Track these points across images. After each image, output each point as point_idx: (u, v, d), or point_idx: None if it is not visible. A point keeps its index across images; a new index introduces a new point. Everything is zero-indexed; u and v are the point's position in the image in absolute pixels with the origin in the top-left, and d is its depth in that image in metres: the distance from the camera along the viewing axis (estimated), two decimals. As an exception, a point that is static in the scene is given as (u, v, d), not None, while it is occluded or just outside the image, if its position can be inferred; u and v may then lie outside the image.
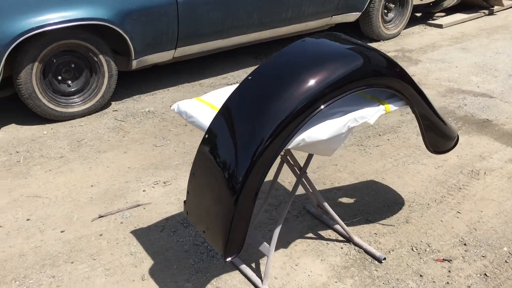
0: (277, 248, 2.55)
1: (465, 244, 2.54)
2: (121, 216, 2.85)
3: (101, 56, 4.03)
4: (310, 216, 2.79)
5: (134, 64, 4.24)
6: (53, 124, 4.00)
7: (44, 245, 2.61)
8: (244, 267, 2.41)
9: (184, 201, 2.16)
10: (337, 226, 2.67)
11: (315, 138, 1.90)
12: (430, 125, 2.33)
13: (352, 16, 5.61)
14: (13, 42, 3.54)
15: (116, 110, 4.26)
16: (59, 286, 2.34)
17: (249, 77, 2.02)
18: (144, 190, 3.09)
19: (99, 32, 3.99)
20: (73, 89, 4.05)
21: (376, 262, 2.44)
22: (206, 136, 1.98)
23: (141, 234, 2.68)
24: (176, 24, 4.24)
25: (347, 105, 2.07)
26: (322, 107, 1.87)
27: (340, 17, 5.51)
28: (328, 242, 2.59)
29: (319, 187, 3.05)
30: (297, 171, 2.39)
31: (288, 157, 2.41)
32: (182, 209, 2.89)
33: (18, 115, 4.12)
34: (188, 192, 2.09)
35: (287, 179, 3.15)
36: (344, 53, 2.04)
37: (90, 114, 4.15)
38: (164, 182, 3.17)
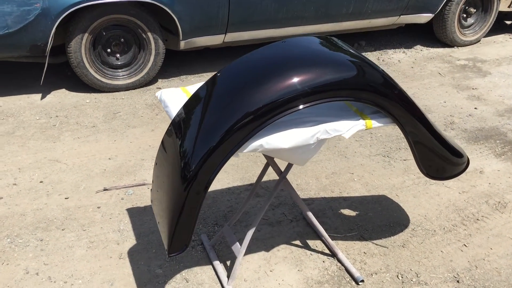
0: (258, 250, 2.50)
1: (458, 281, 2.33)
2: (124, 192, 2.93)
3: (149, 34, 4.13)
4: (304, 223, 2.70)
5: (182, 44, 4.30)
6: (97, 94, 4.18)
7: (45, 209, 2.76)
8: (217, 263, 2.39)
9: (151, 189, 2.18)
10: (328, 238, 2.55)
11: (275, 145, 1.82)
12: (425, 149, 2.14)
13: (423, 18, 5.27)
14: (64, 12, 3.73)
15: (159, 88, 4.37)
16: (43, 250, 2.46)
17: (218, 74, 1.98)
18: (155, 170, 3.14)
19: (150, 10, 4.08)
20: (120, 63, 4.20)
21: (354, 282, 2.32)
22: (170, 127, 1.97)
23: (135, 213, 2.75)
24: (227, 9, 4.23)
25: (323, 115, 1.96)
26: (286, 112, 1.78)
27: (409, 17, 5.20)
28: (312, 253, 2.49)
29: (326, 194, 2.94)
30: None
31: (270, 160, 2.33)
32: (182, 195, 2.91)
33: (69, 82, 4.35)
34: (152, 181, 2.10)
35: (296, 180, 3.07)
36: (314, 58, 1.92)
37: (134, 89, 4.29)
38: (177, 165, 3.20)
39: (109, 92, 4.22)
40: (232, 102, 1.83)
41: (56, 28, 3.80)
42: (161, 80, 4.52)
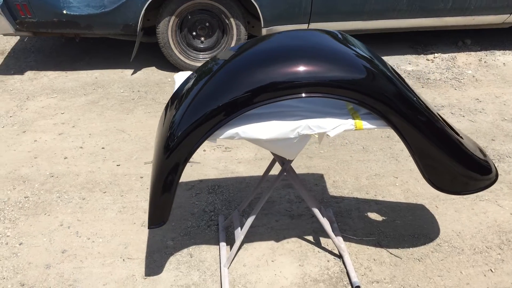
0: (268, 239, 2.53)
1: (464, 307, 2.14)
2: (169, 166, 3.13)
3: (232, 19, 4.27)
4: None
5: (264, 32, 4.38)
6: (180, 73, 4.45)
7: (97, 172, 3.07)
8: (223, 245, 2.47)
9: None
10: (339, 238, 2.49)
11: (252, 135, 1.83)
12: (429, 159, 1.98)
13: (541, 17, 4.69)
14: (153, -5, 4.03)
15: (238, 72, 4.50)
16: (81, 207, 2.76)
17: (223, 52, 2.04)
18: (204, 150, 3.30)
19: (235, -4, 4.22)
20: (204, 46, 4.42)
21: (350, 287, 2.25)
22: (168, 102, 2.08)
23: (170, 187, 2.92)
24: (310, -1, 4.21)
25: (313, 110, 1.91)
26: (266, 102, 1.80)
27: (523, 16, 4.67)
28: (321, 251, 2.46)
29: (359, 195, 2.85)
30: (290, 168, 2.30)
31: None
32: (221, 175, 3.03)
33: (159, 61, 4.68)
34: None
35: (334, 177, 3.01)
36: (305, 51, 1.87)
37: (214, 71, 4.48)
38: (226, 148, 3.33)
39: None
40: (222, 83, 1.88)
41: (150, 11, 4.12)
42: (243, 65, 4.65)
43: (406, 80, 4.19)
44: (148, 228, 2.05)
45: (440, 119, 2.02)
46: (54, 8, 4.07)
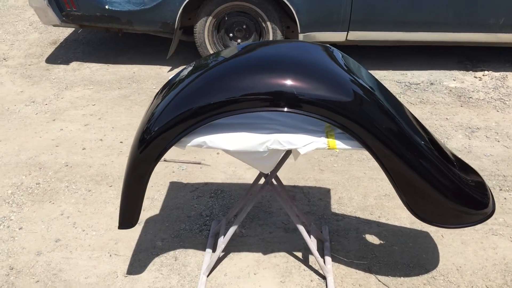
0: (256, 251, 2.48)
1: None
2: (179, 166, 3.15)
3: (268, 23, 4.23)
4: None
5: (301, 37, 4.31)
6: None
7: (109, 165, 3.14)
8: (208, 251, 2.45)
9: None
10: (327, 258, 2.40)
11: (219, 146, 1.80)
12: (409, 187, 1.85)
13: None
14: (190, -5, 4.08)
15: (272, 77, 4.45)
16: (84, 199, 2.84)
17: (219, 51, 2.02)
18: (218, 153, 3.30)
19: (272, 0, 4.17)
20: (240, 48, 4.41)
21: (326, 311, 2.16)
22: (158, 92, 2.08)
23: (174, 187, 2.95)
24: (349, 5, 4.08)
25: (287, 125, 1.85)
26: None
27: None
28: (307, 269, 2.37)
29: (363, 214, 2.72)
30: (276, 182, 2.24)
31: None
32: (227, 180, 3.01)
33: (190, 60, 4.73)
34: None
35: (341, 193, 2.90)
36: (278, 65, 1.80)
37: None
38: (239, 153, 3.30)
39: (226, 74, 4.47)
40: (197, 87, 1.86)
41: (190, 10, 4.18)
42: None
43: (444, 97, 3.97)
44: (118, 228, 2.07)
45: (430, 145, 1.88)
46: (97, 3, 4.22)
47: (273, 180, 2.20)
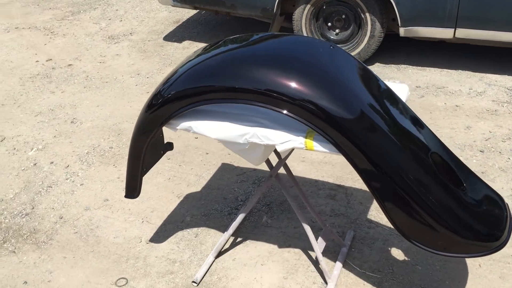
0: (274, 243, 2.49)
1: None
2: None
3: (367, 14, 4.06)
4: (343, 238, 2.47)
5: (402, 31, 4.05)
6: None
7: (176, 139, 3.34)
8: (226, 234, 2.51)
9: None
10: (338, 264, 2.31)
11: (202, 132, 1.85)
12: (390, 197, 1.68)
13: None
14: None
15: (368, 71, 4.27)
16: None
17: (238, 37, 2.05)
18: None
19: (374, -9, 3.99)
20: (337, 38, 4.30)
21: (314, 316, 2.10)
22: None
23: (225, 168, 3.05)
24: (456, 0, 3.72)
25: (270, 119, 1.81)
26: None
27: None
28: (314, 270, 2.32)
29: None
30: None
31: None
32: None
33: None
34: None
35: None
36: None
37: (343, 66, 4.34)
38: (300, 144, 3.28)
39: (320, 63, 4.41)
40: (196, 69, 1.91)
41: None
42: (378, 64, 4.39)
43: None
44: (125, 197, 2.24)
45: (429, 160, 1.70)
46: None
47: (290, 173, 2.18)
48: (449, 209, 1.69)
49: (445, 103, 3.71)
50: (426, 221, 1.69)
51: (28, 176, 3.04)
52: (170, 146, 2.42)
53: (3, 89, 4.13)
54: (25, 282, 2.30)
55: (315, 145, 1.72)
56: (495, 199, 1.84)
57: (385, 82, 2.15)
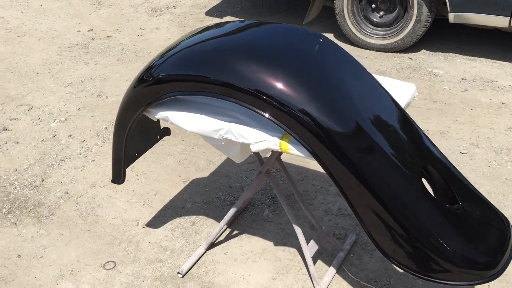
0: (270, 240, 2.38)
1: None
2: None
3: (414, -3, 3.75)
4: (344, 241, 2.31)
5: (451, 17, 3.72)
6: (349, 46, 4.19)
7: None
8: (221, 225, 2.41)
9: None
10: (331, 270, 2.16)
11: (178, 123, 1.75)
12: (376, 218, 1.51)
13: None
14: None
15: (410, 58, 3.98)
16: (155, 147, 3.03)
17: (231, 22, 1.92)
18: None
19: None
20: (381, 21, 4.02)
21: (295, 324, 1.98)
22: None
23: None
24: (513, -14, 3.35)
25: (249, 116, 1.66)
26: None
27: None
28: (306, 273, 2.19)
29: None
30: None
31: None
32: (289, 161, 2.88)
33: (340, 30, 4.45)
34: None
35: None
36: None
37: (385, 51, 4.07)
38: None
39: (360, 47, 4.15)
40: (179, 55, 1.80)
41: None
42: (424, 50, 4.08)
43: None
44: (111, 181, 2.19)
45: (417, 174, 1.51)
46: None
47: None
48: (433, 229, 1.49)
49: (490, 99, 3.39)
50: (406, 240, 1.51)
51: (45, 148, 3.08)
52: (167, 131, 2.35)
53: (42, 58, 4.21)
54: (19, 256, 2.33)
55: (290, 148, 1.58)
56: (496, 220, 1.62)
57: (390, 79, 1.95)
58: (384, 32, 4.02)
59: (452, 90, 3.53)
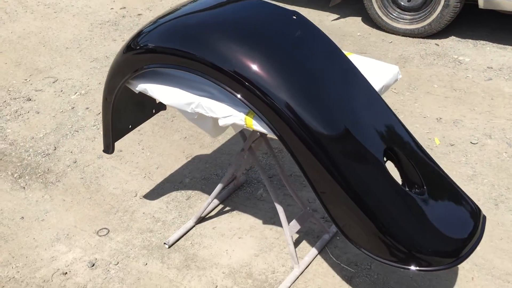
0: (259, 217, 2.40)
1: None
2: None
3: (442, -20, 3.61)
4: (331, 224, 2.30)
5: (481, 3, 3.57)
6: (376, 30, 4.10)
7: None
8: (210, 201, 2.42)
9: None
10: (313, 250, 2.16)
11: (156, 95, 1.79)
12: (337, 202, 1.50)
13: None
14: None
15: (437, 45, 3.85)
16: (164, 123, 3.11)
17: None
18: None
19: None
20: (409, 5, 3.90)
21: (268, 300, 2.00)
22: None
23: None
24: (546, -30, 3.16)
25: (222, 91, 1.67)
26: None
27: None
28: (288, 253, 2.19)
29: None
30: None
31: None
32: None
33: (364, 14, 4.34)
34: None
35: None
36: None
37: (411, 37, 3.95)
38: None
39: (386, 31, 4.05)
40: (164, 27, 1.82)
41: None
42: (453, 37, 3.93)
43: None
44: (103, 151, 2.27)
45: (380, 158, 1.48)
46: None
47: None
48: (389, 211, 1.47)
49: (514, 90, 3.24)
50: (360, 219, 1.49)
51: (62, 119, 3.22)
52: (163, 105, 2.39)
53: (73, 33, 4.37)
54: (22, 218, 2.47)
55: (254, 124, 1.59)
56: (464, 207, 1.56)
57: (373, 60, 1.90)
58: (411, 17, 3.90)
59: (475, 79, 3.39)
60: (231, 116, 1.63)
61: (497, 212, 2.33)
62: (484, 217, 1.64)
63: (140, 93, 2.06)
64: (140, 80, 1.86)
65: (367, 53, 3.79)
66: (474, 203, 1.66)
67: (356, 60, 1.84)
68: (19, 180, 2.72)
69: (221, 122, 1.66)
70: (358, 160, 1.51)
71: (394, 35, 4.01)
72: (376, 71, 1.77)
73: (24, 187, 2.67)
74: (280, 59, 1.59)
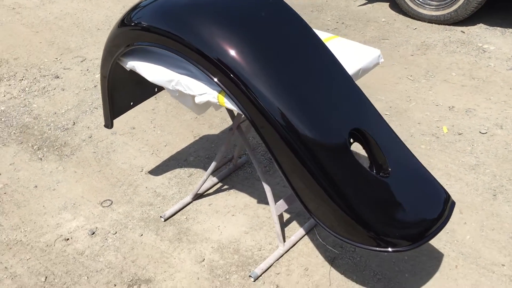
0: (256, 197, 2.46)
1: None
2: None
3: (469, -34, 3.50)
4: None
5: (509, -11, 3.44)
6: (402, 17, 4.02)
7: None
8: (205, 178, 2.48)
9: None
10: (300, 231, 2.21)
11: (142, 73, 1.86)
12: (296, 175, 1.53)
13: None
14: None
15: (463, 32, 3.74)
16: (178, 102, 3.21)
17: None
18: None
19: None
20: (435, -9, 3.82)
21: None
22: None
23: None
24: None
25: (199, 70, 1.73)
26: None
27: None
28: (273, 238, 2.25)
29: None
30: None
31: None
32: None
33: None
34: None
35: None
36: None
37: (437, 24, 3.86)
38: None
39: (412, 18, 3.98)
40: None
41: None
42: (481, 24, 3.81)
43: None
44: (104, 126, 2.38)
45: (345, 141, 1.51)
46: None
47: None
48: (349, 191, 1.49)
49: (536, 80, 3.12)
50: (325, 202, 1.53)
51: (84, 96, 3.38)
52: (164, 84, 2.47)
53: (106, 15, 4.53)
54: (36, 186, 2.64)
55: (226, 102, 1.64)
56: (431, 191, 1.56)
57: (354, 43, 1.91)
58: (438, 3, 3.81)
59: (496, 68, 3.29)
60: (205, 94, 1.69)
61: (494, 203, 2.29)
62: (453, 202, 1.63)
63: (138, 71, 2.15)
64: (130, 57, 1.95)
65: (388, 39, 3.74)
66: (442, 187, 1.65)
67: (339, 42, 1.85)
68: (38, 152, 2.90)
69: (197, 100, 1.72)
70: (320, 141, 1.53)
71: (420, 22, 3.93)
72: (355, 53, 1.77)
73: (41, 158, 2.84)
74: (245, 37, 1.63)
